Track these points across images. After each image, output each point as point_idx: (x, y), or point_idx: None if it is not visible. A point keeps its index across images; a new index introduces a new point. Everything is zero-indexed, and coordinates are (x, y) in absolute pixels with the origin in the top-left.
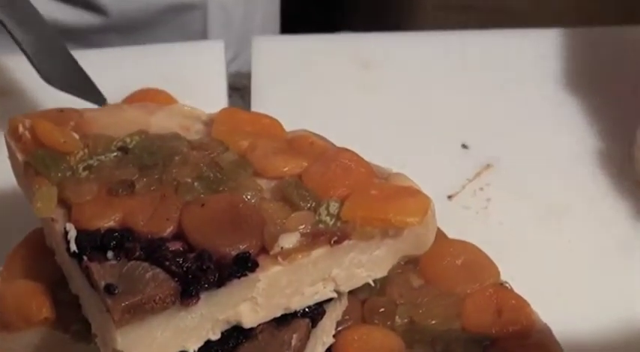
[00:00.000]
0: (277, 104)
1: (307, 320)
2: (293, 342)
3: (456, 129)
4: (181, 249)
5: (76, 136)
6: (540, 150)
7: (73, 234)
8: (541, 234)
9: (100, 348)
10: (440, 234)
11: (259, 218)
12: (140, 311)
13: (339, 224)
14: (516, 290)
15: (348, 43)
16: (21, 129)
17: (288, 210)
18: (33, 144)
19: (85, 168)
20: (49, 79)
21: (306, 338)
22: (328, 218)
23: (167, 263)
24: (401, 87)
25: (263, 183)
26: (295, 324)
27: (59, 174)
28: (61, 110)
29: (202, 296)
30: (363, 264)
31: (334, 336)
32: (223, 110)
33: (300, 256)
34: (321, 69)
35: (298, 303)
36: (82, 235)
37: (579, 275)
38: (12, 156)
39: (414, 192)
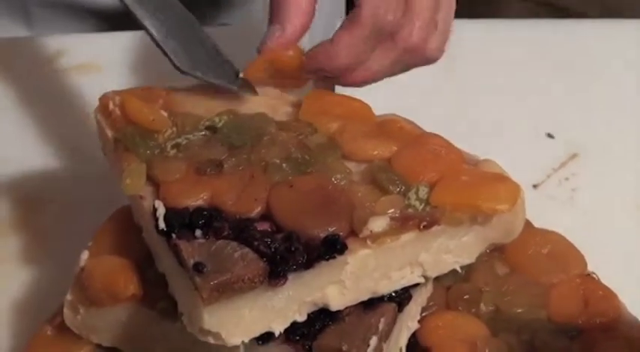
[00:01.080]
0: (361, 89)
1: (394, 304)
2: (380, 326)
3: (541, 117)
4: (269, 229)
5: (165, 114)
6: (628, 140)
7: (161, 211)
8: (628, 225)
9: (186, 327)
10: (526, 223)
11: (348, 201)
12: (228, 290)
13: (428, 209)
14: (603, 281)
15: None
16: (111, 105)
17: (377, 193)
18: (122, 121)
19: (173, 147)
20: (181, 67)
21: (392, 323)
22: (417, 202)
23: (256, 243)
24: (484, 74)
25: (351, 166)
26: (382, 308)
27: (148, 152)
28: (150, 88)
29: (290, 277)
30: (451, 249)
31: (419, 322)
32: (312, 92)
33: (389, 240)
34: None
35: (385, 287)
36: (171, 213)
37: None
38: (101, 133)
39: (503, 179)
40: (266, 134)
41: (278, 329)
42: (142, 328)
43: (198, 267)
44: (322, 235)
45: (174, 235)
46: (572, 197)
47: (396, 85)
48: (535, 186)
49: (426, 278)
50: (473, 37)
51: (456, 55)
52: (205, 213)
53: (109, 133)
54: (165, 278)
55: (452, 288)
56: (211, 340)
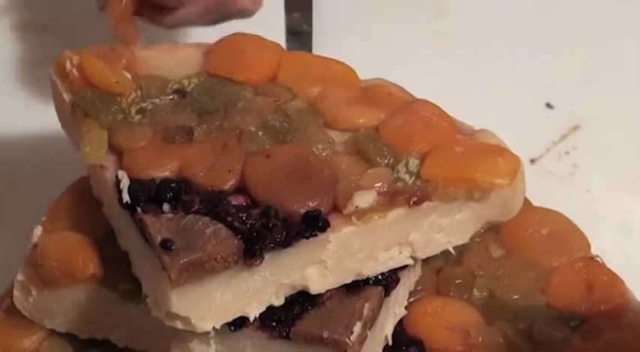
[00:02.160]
0: (342, 52)
1: (380, 288)
2: (365, 312)
3: (539, 86)
4: (244, 203)
5: (128, 76)
6: (633, 111)
7: (125, 182)
8: (633, 204)
9: (150, 310)
10: (524, 201)
11: (331, 173)
12: (199, 269)
13: (418, 183)
14: (608, 265)
15: None
16: (68, 66)
17: (363, 165)
18: (81, 84)
19: (137, 112)
20: None
21: (378, 308)
22: (407, 176)
23: (229, 218)
24: (478, 37)
25: (334, 135)
26: (367, 292)
27: (110, 117)
28: (112, 47)
29: (267, 256)
30: (443, 228)
31: (406, 308)
32: (290, 54)
33: (375, 217)
34: (391, 14)
35: (371, 269)
36: (136, 185)
37: None
38: (57, 97)
39: (502, 151)
40: (241, 99)
41: (253, 313)
42: (101, 311)
43: (165, 244)
44: (302, 211)
45: (139, 209)
46: (573, 173)
47: (384, 48)
48: (533, 161)
49: (415, 259)
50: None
51: (445, 13)
52: (173, 185)
53: (66, 97)
54: (129, 257)
55: (442, 272)
56: (179, 325)
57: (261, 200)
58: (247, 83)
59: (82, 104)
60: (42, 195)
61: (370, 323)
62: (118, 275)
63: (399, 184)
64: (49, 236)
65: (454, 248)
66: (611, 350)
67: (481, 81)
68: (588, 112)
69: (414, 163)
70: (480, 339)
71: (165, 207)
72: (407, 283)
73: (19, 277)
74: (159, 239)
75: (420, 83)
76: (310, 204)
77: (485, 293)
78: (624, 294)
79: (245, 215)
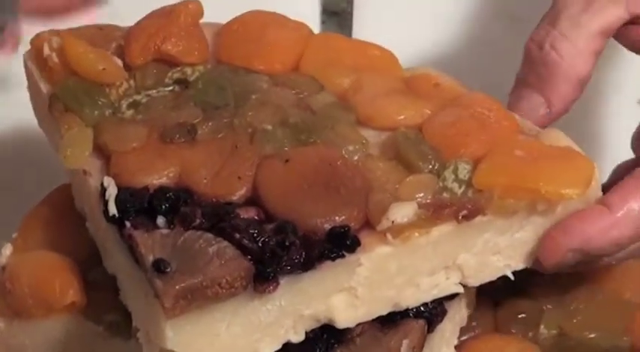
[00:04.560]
0: (385, 35)
1: (422, 321)
2: (402, 350)
3: (631, 79)
4: (256, 217)
5: (120, 63)
6: None
7: (112, 191)
8: None
9: (142, 347)
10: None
11: (363, 181)
12: (199, 297)
13: (469, 193)
14: None
15: None
16: (47, 50)
17: (402, 171)
18: (62, 72)
19: (129, 106)
20: None
21: (420, 347)
22: (456, 185)
23: (237, 235)
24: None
25: (369, 134)
26: (406, 326)
27: (96, 113)
28: (101, 27)
29: (282, 281)
30: (501, 249)
31: (456, 347)
32: (317, 36)
33: (416, 234)
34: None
35: (411, 298)
36: (125, 194)
37: None
38: (33, 88)
39: (573, 155)
40: (255, 91)
41: (268, 351)
42: (82, 348)
43: (159, 266)
44: (327, 226)
45: (128, 223)
46: None
47: (436, 34)
48: None
49: (467, 287)
50: None
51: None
52: (171, 194)
53: (44, 87)
54: (116, 283)
55: (502, 304)
56: None
57: (276, 213)
58: (265, 72)
59: (62, 96)
60: (13, 206)
61: None
62: (103, 304)
63: (446, 195)
64: (21, 256)
65: (518, 275)
66: None
67: None
68: None
69: (464, 169)
70: None
71: (160, 220)
72: (456, 317)
73: None
74: (151, 259)
75: (479, 76)
76: (337, 218)
77: (554, 331)
78: None
79: (257, 231)
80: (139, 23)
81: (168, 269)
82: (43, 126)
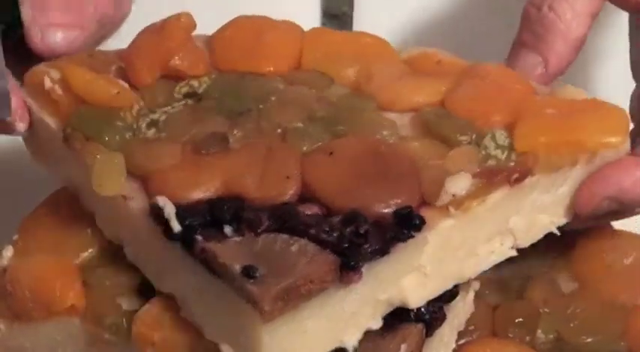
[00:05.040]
0: (385, 37)
1: (421, 325)
2: None
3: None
4: (319, 212)
5: (126, 85)
6: None
7: (170, 210)
8: None
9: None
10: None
11: (409, 161)
12: (295, 296)
13: (513, 156)
14: None
15: None
16: (48, 83)
17: (439, 147)
18: (68, 102)
19: (149, 125)
20: None
21: (418, 350)
22: (499, 151)
23: (312, 231)
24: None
25: (393, 118)
26: (405, 331)
27: (117, 137)
28: (91, 54)
29: (364, 269)
30: (546, 206)
31: (454, 351)
32: (311, 32)
33: (475, 203)
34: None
35: (473, 268)
36: (185, 210)
37: None
38: (36, 125)
39: (602, 105)
40: (273, 92)
41: (351, 342)
42: (82, 350)
43: (249, 272)
44: (391, 210)
45: (199, 237)
46: None
47: (438, 35)
48: None
49: (517, 250)
50: None
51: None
52: (228, 203)
53: (51, 121)
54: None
55: (500, 308)
56: None
57: (337, 206)
58: (273, 74)
59: (79, 126)
60: (13, 209)
61: None
62: (104, 306)
63: (492, 162)
64: (22, 258)
65: (516, 279)
66: None
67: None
68: None
69: (502, 135)
70: None
71: (227, 230)
72: (455, 321)
73: None
74: (237, 268)
75: None
76: (397, 201)
77: (551, 336)
78: None
79: (328, 225)
80: (134, 43)
81: (257, 274)
82: (43, 160)
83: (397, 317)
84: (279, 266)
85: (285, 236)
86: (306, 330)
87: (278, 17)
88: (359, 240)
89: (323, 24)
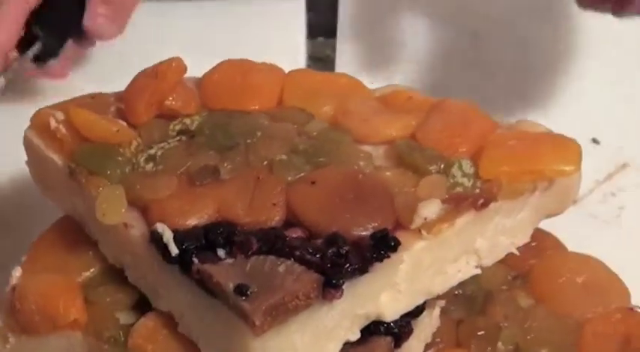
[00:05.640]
0: (363, 78)
1: (389, 338)
2: None
3: (584, 119)
4: (303, 235)
5: (124, 123)
6: None
7: (168, 235)
8: None
9: None
10: (557, 245)
11: (385, 189)
12: (283, 312)
13: (479, 184)
14: None
15: (455, 7)
16: (53, 123)
17: (411, 176)
18: (72, 140)
19: (147, 160)
20: None
21: None
22: (465, 179)
23: (298, 252)
24: (515, 64)
25: (369, 149)
26: (374, 343)
27: (118, 171)
28: (94, 95)
29: (344, 287)
30: (507, 229)
31: None
32: (292, 73)
33: (445, 226)
34: (424, 38)
35: (441, 285)
36: (182, 235)
37: None
38: (37, 161)
39: (558, 138)
40: (258, 128)
41: None
42: None
43: (241, 290)
44: (369, 233)
45: (195, 260)
46: (618, 215)
47: (412, 75)
48: (575, 202)
49: (482, 268)
50: (503, 20)
51: (484, 41)
52: (221, 228)
53: (57, 158)
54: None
55: (464, 322)
56: None
57: (319, 229)
58: (258, 111)
59: (83, 162)
60: (23, 233)
61: None
62: (104, 321)
63: (459, 189)
64: (29, 277)
65: (478, 296)
66: None
67: (521, 115)
68: (638, 149)
69: (467, 164)
70: None
71: (221, 252)
72: (422, 334)
73: None
74: (231, 286)
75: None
76: (374, 224)
77: (510, 347)
78: None
79: (312, 247)
80: (131, 85)
81: (249, 292)
82: (50, 194)
83: (368, 330)
84: (268, 284)
85: (273, 257)
86: (293, 343)
87: (268, 61)
88: (340, 260)
89: (308, 66)
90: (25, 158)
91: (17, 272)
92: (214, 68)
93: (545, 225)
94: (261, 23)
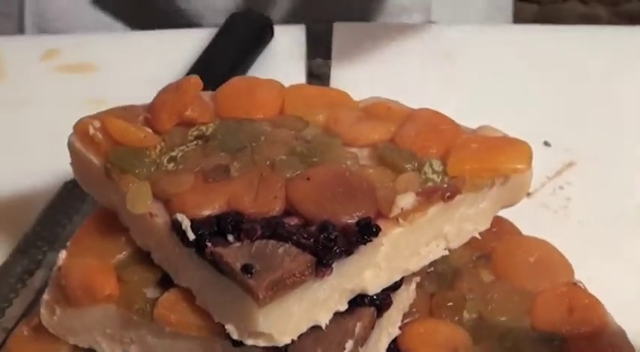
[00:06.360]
0: (355, 91)
1: (373, 308)
2: (356, 330)
3: (538, 125)
4: (299, 223)
5: (150, 130)
6: (624, 149)
7: (186, 223)
8: (622, 237)
9: (215, 339)
10: (514, 231)
11: (368, 184)
12: (282, 287)
13: (446, 180)
14: (592, 291)
15: (429, 34)
16: (92, 130)
17: (390, 173)
18: (108, 145)
19: (169, 160)
20: None
21: (370, 327)
22: (435, 176)
23: (295, 237)
24: (482, 80)
25: (355, 151)
26: (360, 313)
27: (145, 170)
28: (126, 107)
29: (334, 266)
30: (471, 217)
31: (400, 328)
32: (291, 87)
33: (418, 215)
34: (403, 59)
35: (416, 264)
36: (198, 223)
37: None
38: (80, 162)
39: (513, 141)
40: (262, 134)
41: (323, 321)
42: (118, 329)
43: (247, 269)
44: (355, 220)
45: (208, 244)
46: (566, 206)
47: (388, 88)
48: (529, 195)
49: (449, 250)
50: (472, 43)
51: (454, 61)
52: (231, 217)
53: (95, 160)
54: (193, 292)
55: (435, 295)
56: (261, 343)
57: (313, 218)
58: (262, 119)
59: (117, 162)
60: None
61: (362, 341)
62: (133, 295)
63: (430, 184)
64: (73, 259)
65: (447, 273)
66: None
67: (483, 121)
68: (582, 150)
69: (436, 164)
70: None
71: (230, 237)
72: (401, 305)
73: (46, 297)
74: (238, 266)
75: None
76: (359, 213)
77: (474, 315)
78: (603, 317)
79: (306, 232)
80: (156, 99)
81: (253, 270)
82: (92, 190)
83: (354, 302)
84: (269, 264)
85: (273, 241)
86: (291, 312)
87: (275, 77)
88: (330, 243)
89: (308, 81)
90: (70, 160)
91: (63, 255)
92: (226, 84)
93: (504, 213)
94: (272, 47)
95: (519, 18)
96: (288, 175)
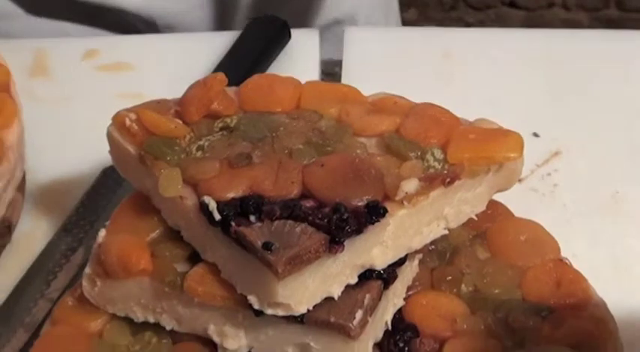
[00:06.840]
0: (364, 90)
1: (380, 282)
2: (365, 301)
3: (528, 118)
4: (314, 205)
5: (180, 122)
6: (606, 140)
7: (213, 205)
8: (601, 218)
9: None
10: (507, 212)
11: (376, 170)
12: (299, 262)
13: (446, 167)
14: (576, 267)
15: (430, 37)
16: (128, 122)
17: (395, 161)
18: (143, 135)
19: (197, 149)
20: None
21: (377, 298)
22: (436, 163)
23: (310, 217)
24: (477, 78)
25: (364, 141)
26: (369, 285)
27: (175, 157)
28: (159, 101)
29: (345, 243)
30: (469, 200)
31: (404, 299)
32: (307, 84)
33: (421, 198)
34: (406, 59)
35: (418, 242)
36: (223, 205)
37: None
38: (118, 151)
39: (507, 132)
40: (281, 125)
41: (336, 293)
42: (151, 299)
43: (268, 246)
44: (364, 203)
45: (233, 223)
46: (552, 191)
47: (395, 86)
48: (520, 180)
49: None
50: (468, 45)
51: (452, 61)
52: (253, 200)
53: (131, 148)
54: (219, 267)
55: (436, 270)
56: (279, 312)
57: (327, 200)
58: (281, 112)
59: (151, 150)
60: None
61: (371, 310)
62: (165, 270)
63: (432, 170)
64: (111, 237)
65: (447, 250)
66: (573, 336)
67: (478, 114)
68: (568, 141)
69: (438, 152)
70: (465, 326)
71: (252, 218)
72: (405, 279)
73: (87, 270)
74: (259, 243)
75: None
76: (368, 197)
77: (471, 288)
78: (587, 290)
79: (320, 213)
80: (186, 93)
81: (273, 247)
82: (128, 175)
83: (363, 275)
84: (287, 242)
85: (291, 222)
86: (308, 286)
87: (292, 75)
88: (342, 223)
89: (321, 79)
90: (108, 149)
91: (102, 233)
92: (248, 80)
93: (498, 197)
94: (289, 48)
95: (509, 23)
96: (304, 162)
